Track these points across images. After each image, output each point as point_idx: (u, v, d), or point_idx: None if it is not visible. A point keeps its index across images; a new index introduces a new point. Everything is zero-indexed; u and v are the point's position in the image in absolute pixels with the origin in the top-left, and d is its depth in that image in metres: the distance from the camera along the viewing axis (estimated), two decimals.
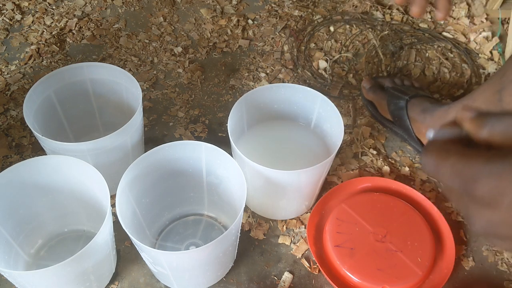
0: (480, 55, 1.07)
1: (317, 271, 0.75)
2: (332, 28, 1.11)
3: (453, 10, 1.15)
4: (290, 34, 1.10)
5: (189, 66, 1.03)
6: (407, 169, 0.87)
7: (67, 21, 1.10)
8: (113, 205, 0.62)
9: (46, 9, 1.13)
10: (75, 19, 1.11)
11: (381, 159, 0.88)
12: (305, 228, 0.80)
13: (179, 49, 1.06)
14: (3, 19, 1.11)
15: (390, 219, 0.76)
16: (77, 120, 0.85)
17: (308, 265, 0.76)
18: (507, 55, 1.05)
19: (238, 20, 1.12)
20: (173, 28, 1.11)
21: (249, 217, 0.81)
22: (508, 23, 1.09)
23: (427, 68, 1.04)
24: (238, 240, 0.70)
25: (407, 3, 0.60)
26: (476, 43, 1.09)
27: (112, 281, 0.73)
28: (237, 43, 1.08)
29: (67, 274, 0.60)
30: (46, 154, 0.75)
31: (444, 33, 1.11)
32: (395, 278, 0.70)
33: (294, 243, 0.78)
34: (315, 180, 0.74)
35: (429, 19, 1.14)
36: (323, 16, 1.14)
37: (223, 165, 0.69)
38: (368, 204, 0.77)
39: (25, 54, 1.04)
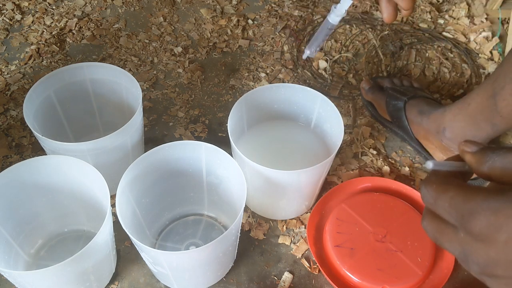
0: (480, 55, 1.07)
1: (317, 271, 0.75)
2: None
3: (453, 10, 1.15)
4: (290, 34, 1.10)
5: (189, 66, 1.03)
6: (407, 169, 0.87)
7: (67, 21, 1.10)
8: (113, 205, 0.62)
9: (46, 9, 1.13)
10: (75, 19, 1.11)
11: (381, 159, 0.88)
12: (305, 228, 0.80)
13: (179, 49, 1.06)
14: (3, 19, 1.11)
15: (390, 219, 0.75)
16: (77, 120, 0.85)
17: (308, 265, 0.76)
18: None
19: (238, 20, 1.12)
20: (173, 28, 1.11)
21: (249, 217, 0.81)
22: (508, 23, 1.09)
23: (427, 68, 1.04)
24: (238, 240, 0.70)
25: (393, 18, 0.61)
26: (476, 43, 1.09)
27: (112, 281, 0.73)
28: (237, 43, 1.08)
29: (67, 274, 0.60)
30: (46, 154, 0.75)
31: (444, 33, 1.11)
32: (395, 278, 0.70)
33: (294, 243, 0.78)
34: (315, 180, 0.74)
35: (429, 19, 1.14)
36: (323, 16, 1.14)
37: (223, 165, 0.69)
38: (368, 204, 0.77)
39: (25, 54, 1.04)
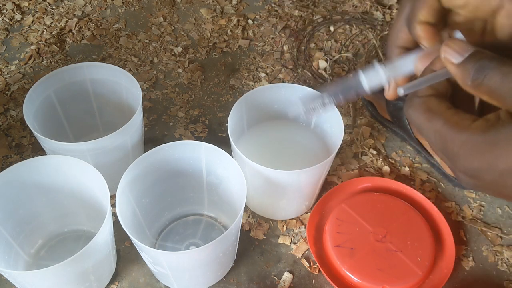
0: None
1: (317, 271, 0.75)
2: (332, 28, 1.11)
3: None
4: (290, 34, 1.10)
5: (189, 66, 1.03)
6: (407, 169, 0.87)
7: (67, 21, 1.10)
8: (113, 205, 0.62)
9: (46, 9, 1.13)
10: (75, 19, 1.11)
11: (381, 159, 0.88)
12: (305, 228, 0.80)
13: (179, 49, 1.06)
14: (3, 19, 1.11)
15: (390, 219, 0.76)
16: (77, 120, 0.85)
17: (308, 265, 0.76)
18: None
19: (238, 20, 1.12)
20: (173, 28, 1.11)
21: (249, 217, 0.81)
22: None
23: None
24: (238, 240, 0.70)
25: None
26: None
27: (112, 281, 0.73)
28: (237, 43, 1.08)
29: (67, 274, 0.60)
30: (46, 154, 0.75)
31: None
32: (395, 278, 0.70)
33: (294, 243, 0.78)
34: (315, 180, 0.74)
35: None
36: (323, 16, 1.14)
37: (223, 165, 0.69)
38: (368, 204, 0.77)
39: (25, 54, 1.04)
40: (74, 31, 1.09)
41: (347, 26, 1.12)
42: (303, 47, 1.08)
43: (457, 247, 0.76)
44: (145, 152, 0.67)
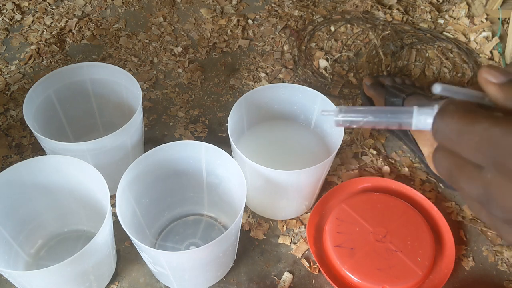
0: (480, 55, 1.07)
1: (317, 271, 0.75)
2: (332, 28, 1.11)
3: (453, 10, 1.15)
4: (290, 33, 1.10)
5: (189, 66, 1.03)
6: (407, 169, 0.87)
7: (67, 21, 1.10)
8: (113, 205, 0.62)
9: (46, 9, 1.13)
10: (75, 19, 1.11)
11: (381, 159, 0.88)
12: (305, 228, 0.80)
13: (179, 49, 1.06)
14: (3, 19, 1.11)
15: (390, 219, 0.75)
16: (77, 120, 0.85)
17: (308, 265, 0.76)
18: (507, 55, 1.05)
19: (238, 20, 1.12)
20: (173, 28, 1.11)
21: (249, 217, 0.81)
22: (508, 23, 1.09)
23: (427, 68, 1.04)
24: (238, 240, 0.70)
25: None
26: (476, 43, 1.09)
27: (112, 281, 0.73)
28: (237, 43, 1.08)
29: (67, 274, 0.60)
30: (46, 154, 0.75)
31: (445, 33, 1.11)
32: (395, 278, 0.70)
33: (294, 243, 0.78)
34: (315, 180, 0.74)
35: (429, 19, 1.14)
36: (323, 16, 1.14)
37: (223, 165, 0.69)
38: (368, 204, 0.77)
39: (25, 54, 1.04)
40: (74, 31, 1.09)
41: (348, 25, 1.12)
42: (304, 47, 1.08)
43: (457, 247, 0.76)
44: (145, 152, 0.67)
